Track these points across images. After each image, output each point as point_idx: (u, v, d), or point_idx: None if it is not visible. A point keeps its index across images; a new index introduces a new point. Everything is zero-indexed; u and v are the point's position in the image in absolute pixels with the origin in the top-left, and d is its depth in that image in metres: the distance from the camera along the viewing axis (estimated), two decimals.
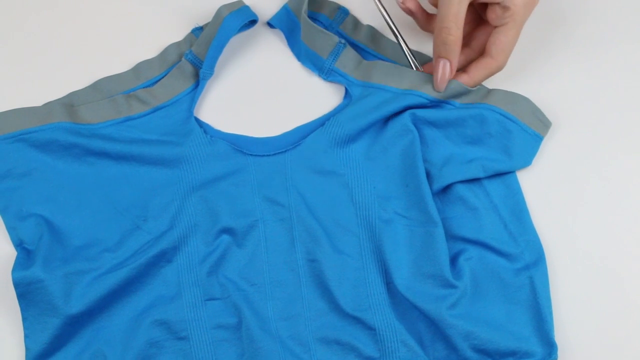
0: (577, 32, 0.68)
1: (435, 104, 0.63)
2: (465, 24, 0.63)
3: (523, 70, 0.67)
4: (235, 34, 0.65)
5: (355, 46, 0.68)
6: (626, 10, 0.69)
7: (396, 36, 0.65)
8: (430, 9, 0.65)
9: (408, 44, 0.66)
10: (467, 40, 0.64)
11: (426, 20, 0.64)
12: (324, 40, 0.65)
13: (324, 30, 0.65)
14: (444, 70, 0.61)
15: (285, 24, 0.68)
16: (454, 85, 0.63)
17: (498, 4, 0.60)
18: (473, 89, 0.63)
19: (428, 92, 0.63)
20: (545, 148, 0.65)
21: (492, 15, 0.61)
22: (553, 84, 0.67)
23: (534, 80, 0.67)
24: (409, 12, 0.64)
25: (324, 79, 0.67)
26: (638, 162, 0.65)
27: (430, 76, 0.63)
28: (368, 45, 0.68)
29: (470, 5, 0.61)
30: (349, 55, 0.66)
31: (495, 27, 0.61)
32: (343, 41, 0.66)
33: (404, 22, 0.68)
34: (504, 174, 0.63)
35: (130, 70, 0.66)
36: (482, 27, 0.63)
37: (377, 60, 0.66)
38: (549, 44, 0.68)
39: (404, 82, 0.64)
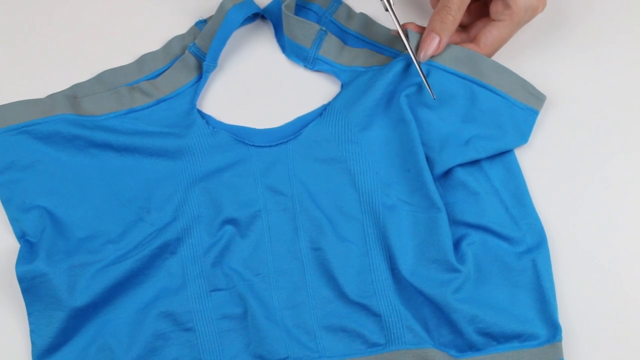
0: (576, 18, 0.69)
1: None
2: (471, 14, 0.65)
3: (522, 53, 0.67)
4: (239, 26, 0.65)
5: (348, 34, 0.68)
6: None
7: (398, 23, 0.64)
8: None
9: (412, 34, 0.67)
10: (466, 28, 0.66)
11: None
12: (306, 30, 0.65)
13: (304, 19, 0.65)
14: (432, 43, 0.62)
15: (276, 16, 0.68)
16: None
17: None
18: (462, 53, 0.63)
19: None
20: (545, 130, 0.65)
21: (494, 8, 0.62)
22: (552, 65, 0.67)
23: (534, 61, 0.67)
24: None
25: (310, 69, 0.67)
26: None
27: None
28: (361, 33, 0.68)
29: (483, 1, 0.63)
30: (332, 41, 0.66)
31: (493, 20, 0.63)
32: (324, 28, 0.66)
33: (411, 5, 0.69)
34: (504, 157, 0.63)
35: (134, 63, 0.66)
36: (485, 19, 0.65)
37: (362, 48, 0.66)
38: (547, 27, 0.69)
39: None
